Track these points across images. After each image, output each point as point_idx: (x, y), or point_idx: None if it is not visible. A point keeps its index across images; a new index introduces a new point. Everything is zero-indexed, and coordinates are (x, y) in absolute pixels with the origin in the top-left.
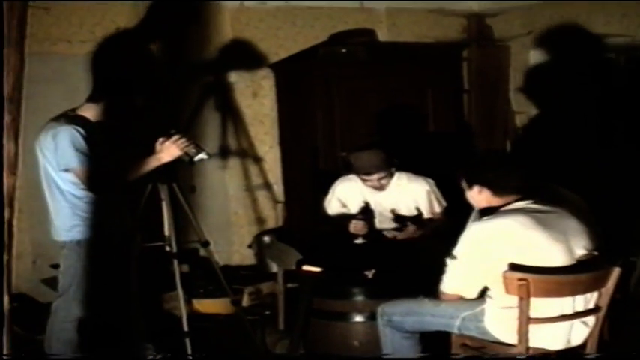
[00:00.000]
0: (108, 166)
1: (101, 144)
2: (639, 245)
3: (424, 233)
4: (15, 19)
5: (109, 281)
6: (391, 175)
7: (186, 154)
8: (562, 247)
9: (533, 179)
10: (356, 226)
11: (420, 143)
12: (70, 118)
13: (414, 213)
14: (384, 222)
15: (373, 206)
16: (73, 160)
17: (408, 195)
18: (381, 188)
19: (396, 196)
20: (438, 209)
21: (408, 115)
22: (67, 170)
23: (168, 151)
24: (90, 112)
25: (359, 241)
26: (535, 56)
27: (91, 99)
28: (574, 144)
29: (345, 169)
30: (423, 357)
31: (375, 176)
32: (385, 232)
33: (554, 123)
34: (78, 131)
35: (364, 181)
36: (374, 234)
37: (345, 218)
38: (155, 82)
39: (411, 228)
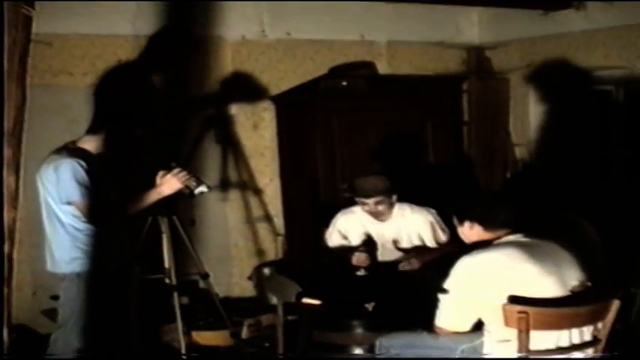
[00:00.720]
0: (109, 199)
1: (102, 176)
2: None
3: (429, 261)
4: (17, 54)
5: (108, 313)
6: (390, 204)
7: (186, 186)
8: (554, 279)
9: (544, 208)
10: (359, 259)
11: (420, 175)
12: (71, 150)
13: (416, 243)
14: (385, 254)
15: (375, 237)
16: (75, 193)
17: (411, 226)
18: (378, 215)
19: (398, 226)
20: (443, 237)
21: (408, 147)
22: (68, 203)
23: (169, 184)
24: (90, 144)
25: (361, 273)
26: (534, 89)
27: (90, 131)
28: (573, 176)
29: (348, 191)
30: None
31: (372, 200)
32: (400, 266)
33: (553, 155)
34: (79, 164)
35: (362, 204)
36: (376, 266)
37: (345, 251)
38: (156, 114)
39: (414, 261)
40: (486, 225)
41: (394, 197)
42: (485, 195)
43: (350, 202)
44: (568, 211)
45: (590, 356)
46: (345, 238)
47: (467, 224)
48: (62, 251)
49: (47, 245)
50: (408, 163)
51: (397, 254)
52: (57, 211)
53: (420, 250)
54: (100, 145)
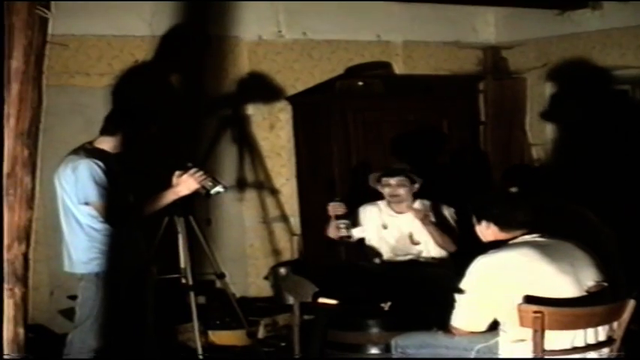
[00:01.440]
0: (126, 199)
1: (119, 176)
2: None
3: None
4: (33, 56)
5: (125, 313)
6: (411, 193)
7: (203, 187)
8: (570, 279)
9: (561, 203)
10: (334, 207)
11: (437, 174)
12: (89, 151)
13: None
14: (400, 250)
15: (392, 230)
16: (93, 193)
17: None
18: (399, 199)
19: (413, 220)
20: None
21: (425, 146)
22: (86, 203)
23: (186, 184)
24: (107, 144)
25: (343, 232)
26: (551, 88)
27: (104, 131)
28: (590, 176)
29: (374, 178)
30: None
31: (396, 180)
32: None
33: (571, 155)
34: (97, 164)
35: (385, 186)
36: (392, 265)
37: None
38: (172, 114)
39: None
40: (502, 226)
41: (416, 186)
42: (503, 196)
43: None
44: (581, 204)
45: (605, 356)
46: (363, 230)
47: (484, 224)
48: (80, 252)
49: (65, 246)
50: (424, 162)
51: (412, 252)
52: (75, 212)
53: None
54: (116, 145)
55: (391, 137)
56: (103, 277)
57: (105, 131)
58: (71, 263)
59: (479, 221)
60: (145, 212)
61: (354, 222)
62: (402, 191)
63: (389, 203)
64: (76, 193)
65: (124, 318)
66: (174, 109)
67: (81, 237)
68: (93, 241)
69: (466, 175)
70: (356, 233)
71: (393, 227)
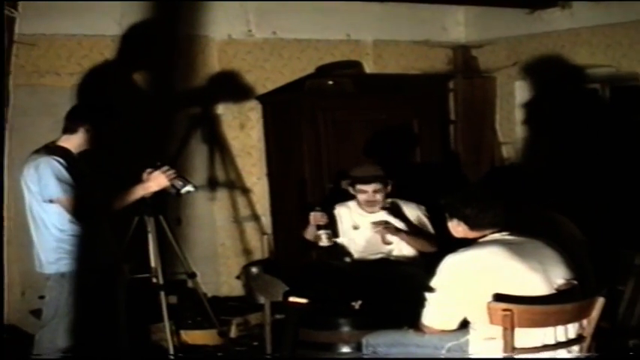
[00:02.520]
0: (93, 197)
1: (84, 174)
2: (626, 274)
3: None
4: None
5: (94, 313)
6: (386, 194)
7: (173, 186)
8: (539, 277)
9: (531, 205)
10: (315, 217)
11: (407, 173)
12: (51, 149)
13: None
14: (371, 249)
15: (363, 230)
16: (56, 190)
17: (400, 219)
18: (374, 204)
19: (387, 219)
20: (427, 235)
21: (395, 146)
22: (51, 201)
23: (156, 180)
24: (69, 142)
25: (324, 243)
26: (521, 87)
27: (65, 130)
28: (559, 173)
29: (347, 181)
30: None
31: (372, 186)
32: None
33: (539, 153)
34: (58, 161)
35: (361, 193)
36: (362, 264)
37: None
38: (143, 114)
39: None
40: (472, 226)
41: (389, 188)
42: (474, 196)
43: (338, 200)
44: (552, 208)
45: (575, 354)
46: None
47: (455, 222)
48: (47, 252)
49: (35, 247)
50: (395, 161)
51: (383, 250)
52: (40, 212)
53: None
54: (79, 143)
55: (364, 138)
56: (69, 276)
57: (66, 129)
58: (40, 264)
59: (450, 218)
60: (113, 208)
61: (334, 228)
62: (378, 197)
63: (359, 204)
64: (40, 192)
65: (95, 318)
66: (144, 108)
67: (47, 237)
68: (59, 241)
69: (436, 173)
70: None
71: (364, 227)
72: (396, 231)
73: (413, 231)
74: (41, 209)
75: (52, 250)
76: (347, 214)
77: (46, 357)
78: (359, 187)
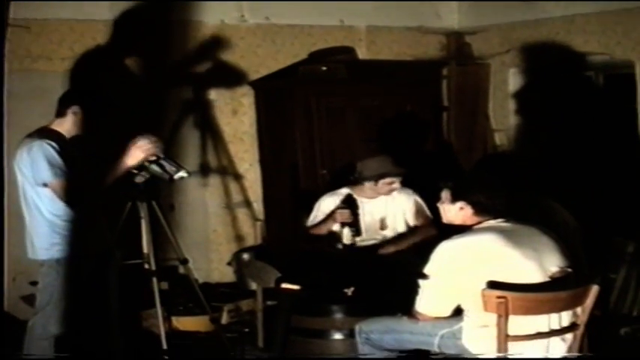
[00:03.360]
0: (84, 180)
1: (76, 158)
2: (618, 262)
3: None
4: None
5: (87, 299)
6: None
7: (165, 171)
8: (534, 265)
9: (525, 192)
10: (342, 215)
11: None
12: (43, 132)
13: (400, 223)
14: (368, 235)
15: (363, 216)
16: (48, 174)
17: (398, 205)
18: (388, 193)
19: (385, 205)
20: (425, 219)
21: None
22: (44, 184)
23: (132, 154)
24: (61, 126)
25: (347, 240)
26: (515, 74)
27: (58, 114)
28: (552, 161)
29: (356, 175)
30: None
31: (388, 180)
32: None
33: (533, 141)
34: (50, 145)
35: (386, 185)
36: (356, 251)
37: (328, 237)
38: (135, 99)
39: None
40: (479, 211)
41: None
42: (486, 182)
43: (331, 187)
44: (546, 195)
45: (569, 342)
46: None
47: (459, 204)
48: (41, 238)
49: (27, 233)
50: (390, 147)
51: (377, 237)
52: (34, 197)
53: (399, 238)
54: (70, 127)
55: (356, 124)
56: (63, 262)
57: (57, 113)
58: (33, 250)
59: (454, 201)
60: (102, 187)
61: (357, 226)
62: (394, 186)
63: (358, 190)
64: (33, 176)
65: (88, 304)
66: (136, 94)
67: (41, 223)
68: (53, 226)
69: (429, 160)
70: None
71: (365, 213)
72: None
73: (407, 232)
74: (35, 194)
75: (46, 236)
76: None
77: (35, 343)
78: (386, 180)
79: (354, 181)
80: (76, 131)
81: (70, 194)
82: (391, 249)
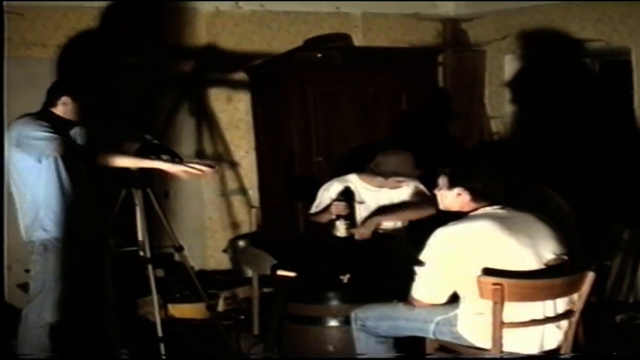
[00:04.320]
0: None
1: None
2: (614, 249)
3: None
4: None
5: (81, 287)
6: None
7: (160, 158)
8: (530, 251)
9: (521, 179)
10: (337, 207)
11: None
12: (35, 113)
13: None
14: None
15: (368, 205)
16: (43, 139)
17: (401, 192)
18: (394, 188)
19: (389, 196)
20: (422, 198)
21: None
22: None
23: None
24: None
25: (341, 233)
26: (510, 61)
27: (45, 104)
28: (548, 148)
29: (375, 167)
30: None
31: (400, 178)
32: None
33: (529, 128)
34: (40, 117)
35: (385, 180)
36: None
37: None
38: (130, 87)
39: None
40: (476, 197)
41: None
42: (484, 168)
43: (326, 174)
44: (541, 182)
45: (564, 329)
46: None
47: (456, 190)
48: (29, 218)
49: (18, 214)
50: (388, 135)
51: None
52: (25, 176)
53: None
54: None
55: (352, 111)
56: (53, 248)
57: (46, 103)
58: (25, 231)
59: (451, 187)
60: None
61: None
62: (405, 184)
63: (366, 177)
64: (29, 145)
65: (81, 292)
66: (131, 81)
67: (30, 205)
68: (44, 208)
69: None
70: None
71: (371, 201)
72: (389, 215)
73: (403, 206)
74: (25, 174)
75: (34, 216)
76: (351, 188)
77: (30, 331)
78: (399, 177)
79: (370, 170)
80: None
81: (71, 152)
82: (387, 218)
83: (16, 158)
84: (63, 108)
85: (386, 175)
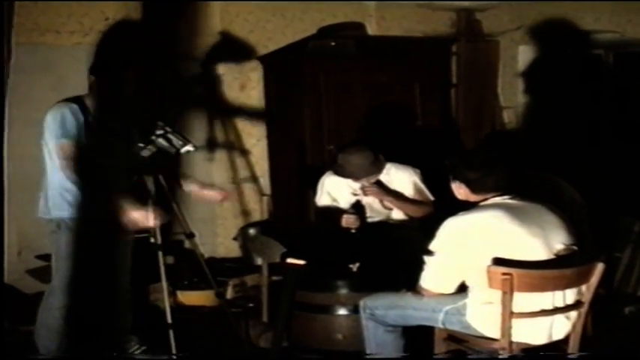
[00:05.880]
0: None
1: (94, 132)
2: (624, 241)
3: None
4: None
5: (96, 270)
6: (379, 174)
7: (172, 145)
8: (540, 242)
9: (533, 170)
10: (348, 220)
11: (408, 138)
12: (70, 99)
13: None
14: (374, 210)
15: (361, 196)
16: (58, 132)
17: (397, 184)
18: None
19: (385, 185)
20: (423, 198)
21: (395, 110)
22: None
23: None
24: (88, 97)
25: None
26: (524, 51)
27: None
28: (561, 139)
29: (333, 168)
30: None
31: (364, 180)
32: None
33: (542, 119)
34: (69, 107)
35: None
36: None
37: (336, 213)
38: (144, 74)
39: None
40: (473, 189)
41: (382, 164)
42: (477, 159)
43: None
44: (553, 173)
45: (573, 319)
46: (335, 200)
47: (457, 183)
48: (51, 197)
49: (42, 192)
50: (395, 125)
51: (383, 214)
52: (48, 155)
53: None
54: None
55: (364, 100)
56: (72, 227)
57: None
58: (47, 209)
59: (453, 180)
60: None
61: (323, 195)
62: (373, 180)
63: None
64: (48, 133)
65: (97, 276)
66: (145, 68)
67: (53, 181)
68: (63, 186)
69: (436, 138)
70: (324, 201)
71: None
72: (387, 194)
73: (404, 195)
74: (48, 152)
75: (56, 195)
76: (344, 181)
77: (45, 357)
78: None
79: (335, 172)
80: (99, 104)
81: (70, 160)
82: (388, 194)
83: (45, 136)
84: (95, 89)
85: (349, 177)
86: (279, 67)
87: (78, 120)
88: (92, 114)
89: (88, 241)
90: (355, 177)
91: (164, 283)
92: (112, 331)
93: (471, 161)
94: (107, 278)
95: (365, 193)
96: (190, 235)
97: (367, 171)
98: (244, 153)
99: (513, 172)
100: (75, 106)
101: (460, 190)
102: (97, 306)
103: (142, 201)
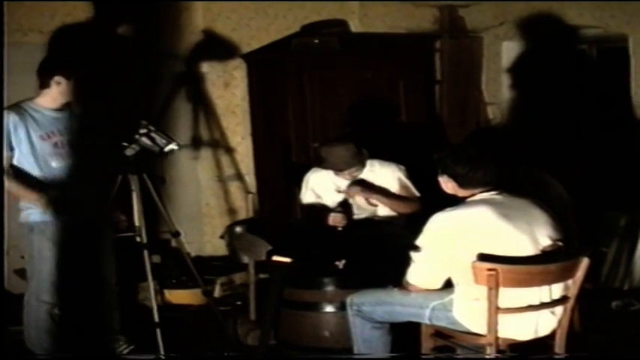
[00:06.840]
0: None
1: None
2: (610, 235)
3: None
4: None
5: (78, 271)
6: (363, 167)
7: (155, 144)
8: (526, 238)
9: (519, 165)
10: (335, 219)
11: (392, 134)
12: (18, 103)
13: None
14: (360, 207)
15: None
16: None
17: (381, 181)
18: (353, 178)
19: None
20: (408, 195)
21: (380, 107)
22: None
23: None
24: (45, 98)
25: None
26: (508, 47)
27: (39, 86)
28: (546, 135)
29: (317, 162)
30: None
31: (347, 172)
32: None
33: (526, 114)
34: (8, 117)
35: (337, 173)
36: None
37: (321, 210)
38: (126, 72)
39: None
40: (461, 184)
41: (365, 160)
42: (465, 154)
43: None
44: (539, 169)
45: (559, 315)
46: (319, 197)
47: (445, 178)
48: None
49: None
50: (379, 122)
51: (369, 211)
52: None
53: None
54: (53, 97)
55: (349, 97)
56: (38, 230)
57: (40, 85)
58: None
59: (441, 174)
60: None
61: (307, 192)
62: (355, 174)
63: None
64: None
65: (79, 276)
66: (127, 66)
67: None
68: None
69: (421, 134)
70: (308, 197)
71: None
72: (372, 192)
73: (390, 192)
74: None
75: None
76: (329, 179)
77: (32, 314)
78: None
79: (317, 166)
80: (60, 101)
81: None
82: (372, 191)
83: None
84: (57, 88)
85: (331, 169)
86: (262, 64)
87: (16, 128)
88: (41, 116)
89: (64, 244)
90: (338, 168)
91: (150, 282)
92: (98, 331)
93: (459, 156)
94: (87, 279)
95: (350, 196)
96: (176, 234)
97: (349, 163)
98: (229, 151)
99: (500, 167)
100: (13, 115)
101: (448, 185)
102: (79, 307)
103: (126, 200)
